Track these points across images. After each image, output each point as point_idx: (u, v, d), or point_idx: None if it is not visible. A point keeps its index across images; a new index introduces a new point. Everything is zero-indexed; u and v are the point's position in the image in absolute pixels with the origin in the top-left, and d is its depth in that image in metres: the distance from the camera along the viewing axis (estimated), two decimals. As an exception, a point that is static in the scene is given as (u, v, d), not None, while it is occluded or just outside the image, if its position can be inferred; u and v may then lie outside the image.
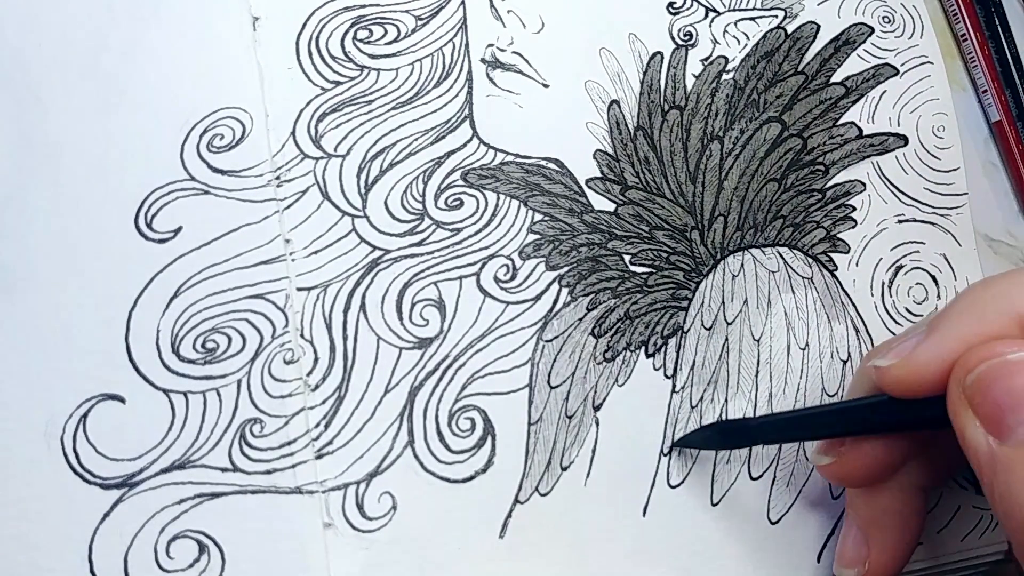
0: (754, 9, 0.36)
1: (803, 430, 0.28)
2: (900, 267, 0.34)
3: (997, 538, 0.32)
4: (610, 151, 0.32)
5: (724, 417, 0.31)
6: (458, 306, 0.29)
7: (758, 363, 0.32)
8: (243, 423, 0.27)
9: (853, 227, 0.34)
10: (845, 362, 0.33)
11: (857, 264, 0.34)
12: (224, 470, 0.26)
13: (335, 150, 0.30)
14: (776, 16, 0.36)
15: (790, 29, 0.36)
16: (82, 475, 0.26)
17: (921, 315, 0.34)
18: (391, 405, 0.28)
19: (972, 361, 0.22)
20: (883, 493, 0.27)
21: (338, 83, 0.31)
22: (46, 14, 0.29)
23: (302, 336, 0.28)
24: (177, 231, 0.28)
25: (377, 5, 0.32)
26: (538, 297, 0.30)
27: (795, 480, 0.31)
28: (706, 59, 0.34)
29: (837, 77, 0.36)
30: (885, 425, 0.26)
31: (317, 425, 0.27)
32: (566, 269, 0.31)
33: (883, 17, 0.37)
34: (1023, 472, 0.21)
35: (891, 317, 0.34)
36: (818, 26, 0.36)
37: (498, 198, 0.31)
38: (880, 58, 0.36)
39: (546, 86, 0.33)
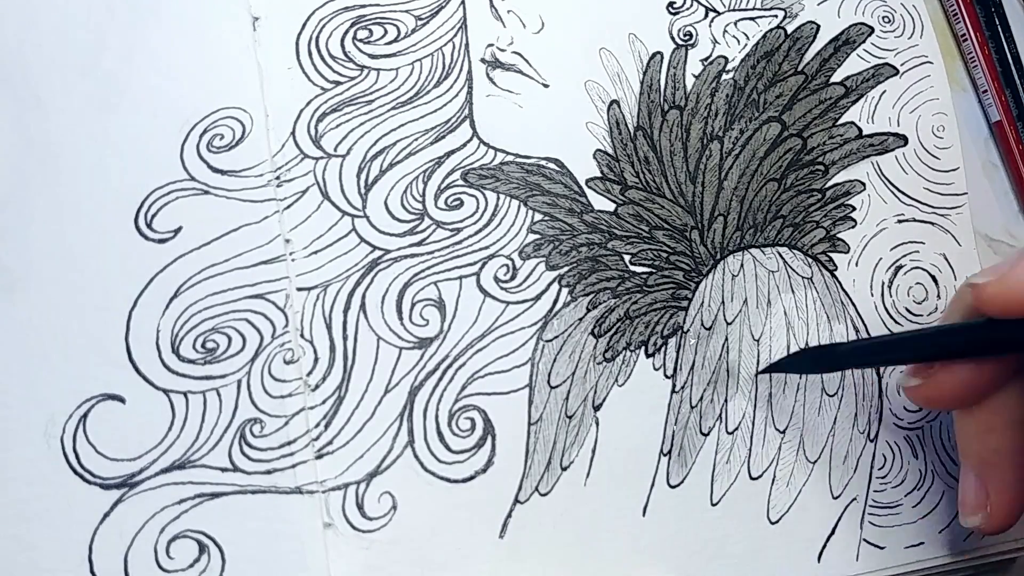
0: (754, 9, 0.36)
1: (895, 353, 0.27)
2: (900, 267, 0.34)
3: (999, 538, 0.32)
4: (610, 151, 0.32)
5: (724, 417, 0.31)
6: (458, 306, 0.29)
7: (758, 363, 0.32)
8: (243, 423, 0.27)
9: (853, 227, 0.34)
10: (845, 362, 0.33)
11: (857, 264, 0.34)
12: (224, 470, 0.26)
13: (335, 150, 0.30)
14: (776, 16, 0.36)
15: (790, 29, 0.36)
16: (82, 475, 0.26)
17: (921, 315, 0.34)
18: (391, 405, 0.28)
19: None
20: (992, 433, 0.26)
21: (338, 83, 0.31)
22: (46, 14, 0.29)
23: (302, 336, 0.28)
24: (177, 231, 0.28)
25: (377, 5, 0.32)
26: (538, 297, 0.30)
27: (795, 480, 0.31)
28: (706, 59, 0.34)
29: (837, 77, 0.36)
30: (980, 347, 0.25)
31: (317, 425, 0.27)
32: (566, 269, 0.31)
33: (883, 17, 0.37)
34: None
35: (891, 317, 0.34)
36: (818, 26, 0.36)
37: (498, 198, 0.31)
38: (880, 58, 0.36)
39: (546, 86, 0.33)
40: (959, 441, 0.28)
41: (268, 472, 0.27)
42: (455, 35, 0.32)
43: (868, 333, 0.33)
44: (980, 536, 0.31)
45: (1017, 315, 0.23)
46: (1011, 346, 0.24)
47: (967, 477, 0.28)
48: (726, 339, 0.32)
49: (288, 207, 0.29)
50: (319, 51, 0.31)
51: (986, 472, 0.27)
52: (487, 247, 0.30)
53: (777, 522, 0.30)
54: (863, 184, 0.35)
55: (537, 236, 0.31)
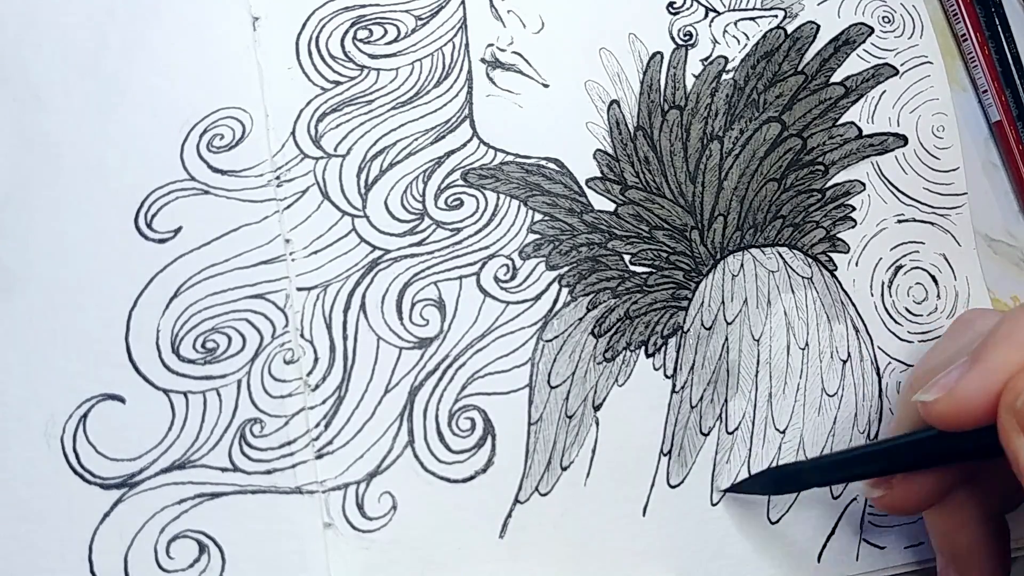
0: (754, 9, 0.36)
1: (854, 470, 0.28)
2: (900, 267, 0.34)
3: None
4: (610, 151, 0.32)
5: (724, 417, 0.31)
6: (458, 306, 0.29)
7: (758, 363, 0.32)
8: (243, 423, 0.27)
9: (853, 227, 0.34)
10: (845, 362, 0.33)
11: (857, 264, 0.34)
12: (224, 470, 0.26)
13: (335, 150, 0.30)
14: (776, 16, 0.36)
15: (790, 29, 0.36)
16: (82, 475, 0.26)
17: (921, 315, 0.34)
18: (391, 405, 0.28)
19: (1021, 385, 0.22)
20: (958, 532, 0.27)
21: (338, 83, 0.31)
22: (46, 14, 0.29)
23: (302, 336, 0.28)
24: (177, 231, 0.28)
25: (377, 5, 0.32)
26: (538, 297, 0.30)
27: (795, 480, 0.31)
28: (706, 59, 0.34)
29: (837, 77, 0.36)
30: (935, 459, 0.26)
31: (317, 425, 0.27)
32: (566, 269, 0.31)
33: (883, 17, 0.37)
34: None
35: (891, 317, 0.34)
36: (818, 26, 0.36)
37: (498, 198, 0.31)
38: (880, 58, 0.36)
39: (546, 86, 0.33)
40: (931, 538, 0.29)
41: (268, 472, 0.27)
42: (455, 35, 0.32)
43: (868, 333, 0.33)
44: None
45: (969, 427, 0.24)
46: (961, 455, 0.25)
47: (946, 568, 0.28)
48: (726, 339, 0.32)
49: (288, 207, 0.29)
50: (319, 51, 0.31)
51: (961, 566, 0.28)
52: (487, 247, 0.30)
53: (777, 522, 0.30)
54: (863, 184, 0.35)
55: (537, 236, 0.31)
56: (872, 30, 0.37)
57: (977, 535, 0.27)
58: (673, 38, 0.34)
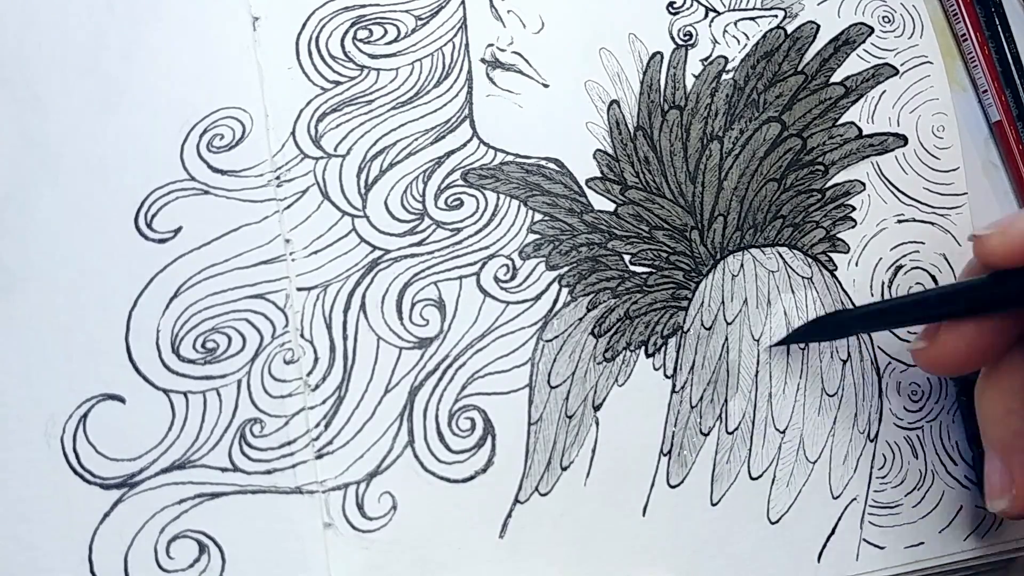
0: (754, 9, 0.36)
1: (900, 315, 0.27)
2: (900, 267, 0.34)
3: (999, 538, 0.32)
4: (610, 151, 0.32)
5: (724, 417, 0.31)
6: (458, 306, 0.29)
7: (758, 363, 0.32)
8: (243, 423, 0.27)
9: (853, 227, 0.34)
10: (845, 362, 0.33)
11: (857, 264, 0.34)
12: (224, 470, 0.26)
13: (335, 150, 0.30)
14: (776, 16, 0.36)
15: (790, 29, 0.36)
16: (82, 475, 0.26)
17: (921, 315, 0.34)
18: (391, 405, 0.28)
19: None
20: (1012, 415, 0.26)
21: (338, 83, 0.31)
22: (46, 14, 0.29)
23: (302, 336, 0.28)
24: (177, 231, 0.28)
25: (377, 5, 0.32)
26: (538, 297, 0.30)
27: (795, 480, 0.31)
28: (706, 59, 0.34)
29: (837, 77, 0.36)
30: (983, 304, 0.25)
31: (317, 425, 0.27)
32: (566, 269, 0.31)
33: (883, 17, 0.37)
34: None
35: (891, 317, 0.34)
36: (818, 26, 0.36)
37: (498, 198, 0.31)
38: (880, 58, 0.36)
39: (546, 86, 0.33)
40: (981, 427, 0.28)
41: (268, 472, 0.27)
42: (455, 35, 0.32)
43: (868, 333, 0.33)
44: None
45: (1017, 265, 0.23)
46: (1013, 301, 0.24)
47: (991, 462, 0.28)
48: (726, 339, 0.32)
49: (288, 207, 0.29)
50: (319, 51, 0.31)
51: (1010, 456, 0.27)
52: (487, 247, 0.30)
53: (777, 522, 0.30)
54: (863, 184, 0.35)
55: (537, 236, 0.31)
56: (872, 30, 0.37)
57: None
58: (673, 38, 0.34)
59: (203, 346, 0.27)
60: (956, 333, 0.26)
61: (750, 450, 0.31)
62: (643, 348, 0.31)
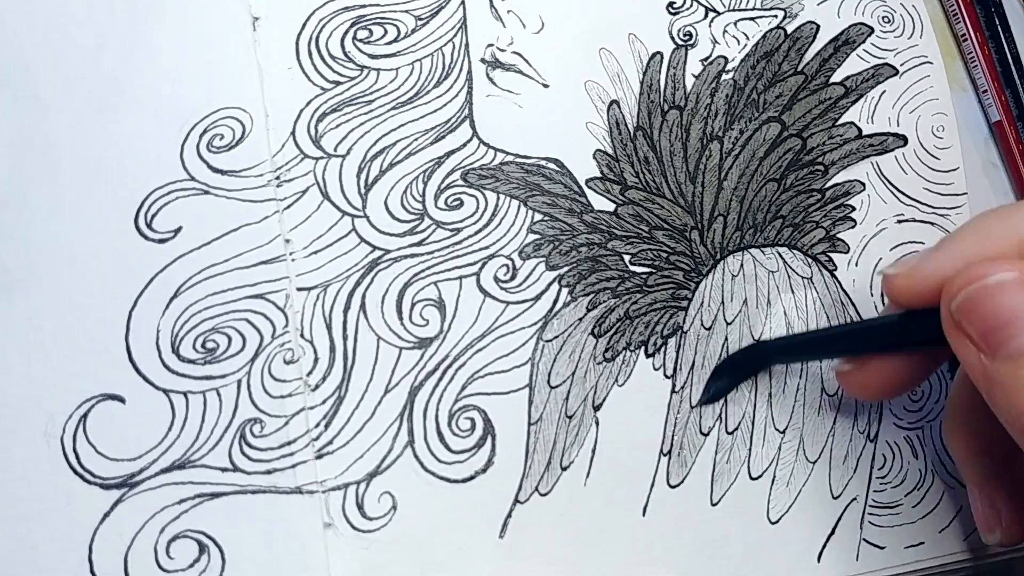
0: (754, 9, 0.36)
1: (820, 349, 0.28)
2: (900, 267, 0.34)
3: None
4: (610, 151, 0.32)
5: (724, 417, 0.31)
6: (458, 306, 0.29)
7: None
8: (243, 423, 0.27)
9: (852, 227, 0.34)
10: (845, 362, 0.33)
11: (856, 264, 0.34)
12: (224, 470, 0.26)
13: (335, 150, 0.30)
14: (776, 16, 0.36)
15: (790, 29, 0.36)
16: (82, 475, 0.26)
17: (921, 315, 0.34)
18: (391, 405, 0.28)
19: (957, 284, 0.23)
20: (983, 455, 0.27)
21: (338, 83, 0.31)
22: (46, 14, 0.29)
23: (302, 336, 0.28)
24: (177, 231, 0.28)
25: (377, 5, 0.32)
26: (538, 297, 0.30)
27: (795, 480, 0.31)
28: (706, 59, 0.34)
29: (837, 77, 0.36)
30: (895, 341, 0.26)
31: (317, 425, 0.27)
32: (566, 269, 0.31)
33: (883, 17, 0.37)
34: (1014, 385, 0.22)
35: (891, 317, 0.34)
36: (818, 26, 0.36)
37: (498, 198, 0.31)
38: (880, 58, 0.36)
39: (546, 86, 0.33)
40: (958, 467, 0.29)
41: (268, 472, 0.27)
42: (455, 35, 0.32)
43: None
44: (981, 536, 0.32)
45: (920, 306, 0.24)
46: (923, 340, 0.25)
47: (974, 498, 0.28)
48: (726, 339, 0.32)
49: (288, 207, 0.29)
50: (319, 51, 0.31)
51: (991, 493, 0.28)
52: (487, 247, 0.30)
53: (777, 522, 0.30)
54: (863, 184, 0.35)
55: (537, 236, 0.31)
56: (872, 30, 0.37)
57: (1000, 448, 0.26)
58: (673, 38, 0.34)
59: (203, 346, 0.27)
60: (878, 362, 0.27)
61: (750, 450, 0.31)
62: (643, 348, 0.31)
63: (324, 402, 0.28)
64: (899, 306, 0.25)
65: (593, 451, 0.29)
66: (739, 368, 0.31)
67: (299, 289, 0.28)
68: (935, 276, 0.24)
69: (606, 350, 0.30)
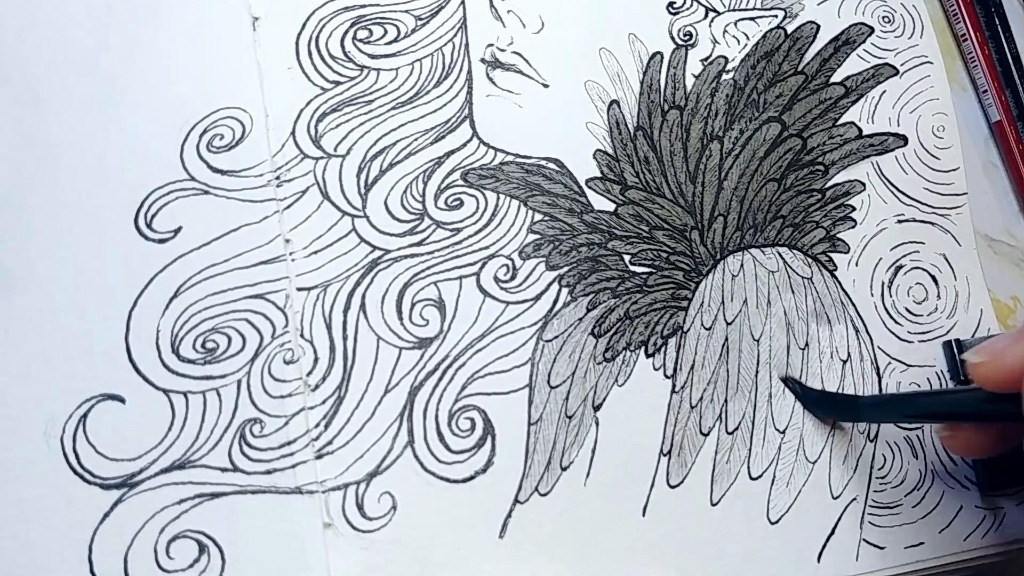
0: (754, 9, 0.36)
1: (905, 412, 0.30)
2: (900, 267, 0.34)
3: (1000, 538, 0.32)
4: (610, 151, 0.32)
5: (724, 417, 0.31)
6: (458, 306, 0.29)
7: (758, 363, 0.32)
8: (243, 423, 0.27)
9: (853, 227, 0.34)
10: (845, 362, 0.33)
11: (857, 264, 0.34)
12: (224, 470, 0.26)
13: (335, 150, 0.30)
14: (776, 16, 0.36)
15: (790, 29, 0.36)
16: (82, 475, 0.26)
17: (921, 315, 0.34)
18: (391, 405, 0.28)
19: None
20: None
21: (338, 83, 0.31)
22: (46, 14, 0.29)
23: (302, 336, 0.28)
24: (177, 231, 0.28)
25: (377, 5, 0.32)
26: (538, 297, 0.30)
27: (795, 480, 0.31)
28: (706, 59, 0.34)
29: (837, 77, 0.36)
30: (986, 416, 0.28)
31: (317, 425, 0.27)
32: (566, 269, 0.31)
33: (883, 17, 0.37)
34: None
35: (891, 317, 0.34)
36: (818, 26, 0.36)
37: (498, 198, 0.31)
38: (880, 58, 0.36)
39: (546, 86, 0.33)
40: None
41: (268, 472, 0.27)
42: (455, 35, 0.32)
43: (868, 333, 0.33)
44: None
45: (1006, 391, 0.26)
46: (1012, 417, 0.26)
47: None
48: (726, 339, 0.32)
49: (288, 207, 0.29)
50: (319, 51, 0.31)
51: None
52: (487, 247, 0.30)
53: (777, 522, 0.30)
54: (863, 184, 0.35)
55: (537, 236, 0.31)
56: (872, 30, 0.37)
57: None
58: (673, 38, 0.34)
59: (203, 346, 0.27)
60: (973, 429, 0.29)
61: (750, 450, 0.31)
62: (643, 348, 0.31)
63: (324, 402, 0.28)
64: (988, 389, 0.26)
65: (593, 451, 0.29)
66: (832, 407, 0.32)
67: (299, 289, 0.28)
68: (1017, 366, 0.25)
69: (606, 350, 0.30)
